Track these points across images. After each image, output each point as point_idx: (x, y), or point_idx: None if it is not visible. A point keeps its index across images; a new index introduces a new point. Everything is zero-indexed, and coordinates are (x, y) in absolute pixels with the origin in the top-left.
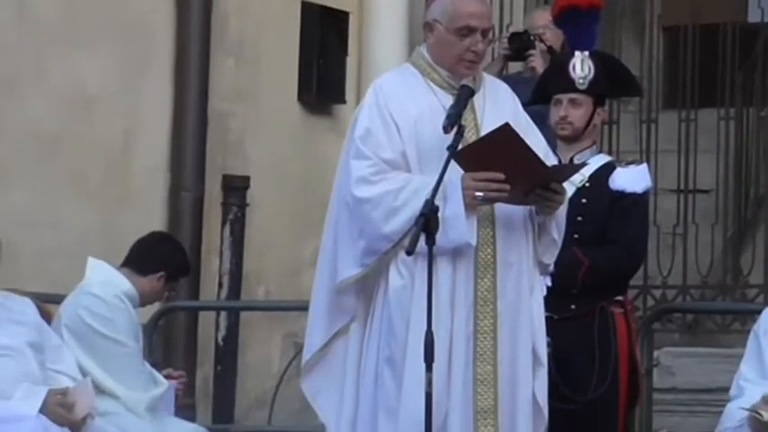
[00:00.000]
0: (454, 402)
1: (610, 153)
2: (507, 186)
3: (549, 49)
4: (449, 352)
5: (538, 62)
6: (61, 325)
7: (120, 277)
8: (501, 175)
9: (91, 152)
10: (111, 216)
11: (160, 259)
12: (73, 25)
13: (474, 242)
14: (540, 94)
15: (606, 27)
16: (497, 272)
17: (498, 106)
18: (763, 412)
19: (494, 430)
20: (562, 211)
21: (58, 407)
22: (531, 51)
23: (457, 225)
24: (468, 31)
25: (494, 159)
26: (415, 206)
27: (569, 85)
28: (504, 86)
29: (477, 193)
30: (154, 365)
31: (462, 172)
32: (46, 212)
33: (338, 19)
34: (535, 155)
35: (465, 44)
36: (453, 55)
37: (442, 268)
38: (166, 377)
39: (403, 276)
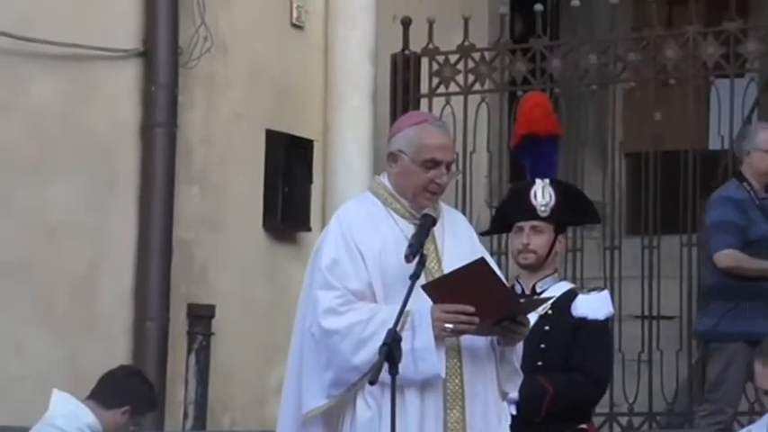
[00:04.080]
0: None
1: (574, 280)
2: (477, 319)
3: None
4: None
5: None
6: None
7: (84, 410)
8: (471, 308)
9: (56, 280)
10: (75, 345)
11: (126, 393)
12: (40, 153)
13: (443, 374)
14: (499, 222)
15: (569, 153)
16: (465, 403)
17: (457, 235)
18: None
19: None
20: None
21: None
22: None
23: (427, 357)
24: (433, 163)
25: (464, 291)
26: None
27: (531, 213)
28: (461, 216)
29: (447, 325)
30: None
31: (429, 302)
32: (10, 341)
33: (303, 147)
34: (508, 290)
35: (429, 176)
36: (417, 185)
37: (410, 400)
38: None
39: (370, 407)
